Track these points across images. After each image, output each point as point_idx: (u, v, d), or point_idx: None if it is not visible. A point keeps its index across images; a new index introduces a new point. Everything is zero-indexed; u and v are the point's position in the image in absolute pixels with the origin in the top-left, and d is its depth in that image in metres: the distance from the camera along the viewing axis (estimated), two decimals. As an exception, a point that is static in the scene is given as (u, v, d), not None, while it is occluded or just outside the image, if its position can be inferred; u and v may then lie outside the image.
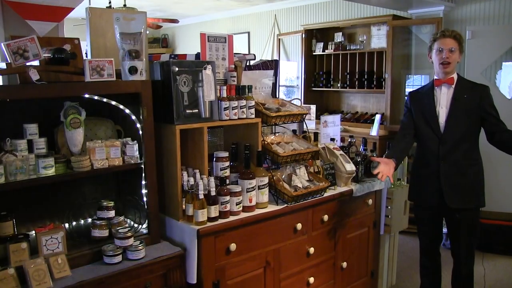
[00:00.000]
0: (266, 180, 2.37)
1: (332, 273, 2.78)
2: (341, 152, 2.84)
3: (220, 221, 2.18)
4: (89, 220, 2.29)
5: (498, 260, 4.11)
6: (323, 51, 6.08)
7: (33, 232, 2.01)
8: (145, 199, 2.16)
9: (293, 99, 2.78)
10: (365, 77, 5.56)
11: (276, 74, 2.87)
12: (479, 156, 2.67)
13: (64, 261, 1.85)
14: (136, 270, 1.96)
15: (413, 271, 3.34)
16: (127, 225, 2.14)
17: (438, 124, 2.62)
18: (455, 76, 2.65)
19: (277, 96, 2.92)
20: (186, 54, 2.57)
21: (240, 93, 2.37)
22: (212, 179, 2.18)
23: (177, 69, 2.13)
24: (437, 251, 2.90)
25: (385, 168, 2.53)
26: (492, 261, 4.08)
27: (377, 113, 5.36)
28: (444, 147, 2.59)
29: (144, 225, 2.22)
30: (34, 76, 1.80)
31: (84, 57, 2.26)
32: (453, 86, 2.62)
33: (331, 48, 5.97)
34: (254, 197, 2.33)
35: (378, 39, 5.47)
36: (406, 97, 2.88)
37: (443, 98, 2.64)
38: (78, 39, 2.26)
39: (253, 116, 2.42)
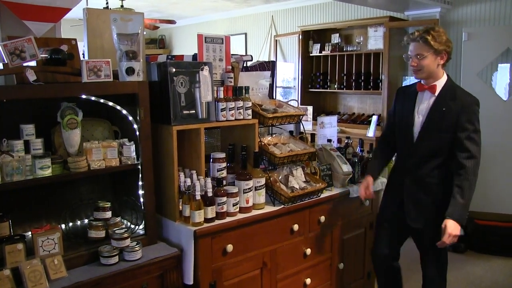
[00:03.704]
0: (263, 181, 2.37)
1: (329, 274, 2.78)
2: (338, 153, 2.85)
3: (217, 222, 2.18)
4: (86, 221, 2.29)
5: (495, 261, 4.13)
6: (320, 52, 6.09)
7: (29, 233, 2.00)
8: (141, 200, 2.16)
9: (290, 100, 2.78)
10: (362, 78, 5.58)
11: (273, 75, 2.87)
12: (449, 175, 2.29)
13: (60, 262, 1.85)
14: (133, 271, 1.96)
15: (410, 272, 3.34)
16: (123, 226, 2.14)
17: (412, 133, 2.36)
18: (439, 83, 2.32)
19: (274, 97, 2.93)
20: (183, 55, 2.58)
21: (237, 94, 2.37)
22: (209, 180, 2.18)
23: (174, 70, 2.13)
24: (394, 257, 2.62)
25: (364, 191, 2.52)
26: (489, 262, 4.09)
27: (373, 114, 5.38)
28: (412, 159, 2.37)
29: (141, 226, 2.22)
30: (31, 76, 1.79)
31: (81, 58, 2.26)
32: (435, 94, 2.31)
33: (328, 49, 5.99)
34: (251, 198, 2.33)
35: (375, 40, 5.49)
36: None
37: (423, 106, 2.35)
38: (75, 39, 2.25)
39: (250, 117, 2.42)
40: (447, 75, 2.37)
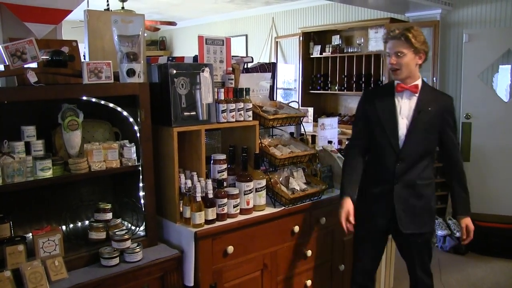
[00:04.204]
0: (263, 182, 2.37)
1: (330, 276, 2.78)
2: (339, 154, 2.85)
3: (218, 223, 2.18)
4: (86, 222, 2.29)
5: (496, 262, 4.13)
6: (321, 53, 6.10)
7: (30, 234, 2.00)
8: (142, 201, 2.15)
9: (290, 102, 2.79)
10: (363, 79, 5.58)
11: (273, 77, 2.88)
12: (433, 174, 2.36)
13: (61, 263, 1.84)
14: (133, 272, 1.96)
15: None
16: (124, 228, 2.14)
17: (398, 138, 2.25)
18: (419, 82, 2.27)
19: (275, 99, 2.93)
20: (184, 57, 2.58)
21: (238, 95, 2.37)
22: (209, 181, 2.18)
23: (174, 71, 2.13)
24: (374, 272, 2.52)
25: (345, 223, 2.29)
26: (490, 264, 4.09)
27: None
28: (401, 165, 2.24)
29: (142, 228, 2.22)
30: (32, 78, 1.80)
31: (82, 59, 2.26)
32: (417, 95, 2.25)
33: (329, 51, 5.99)
34: (251, 199, 2.33)
35: (376, 42, 5.50)
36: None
37: (405, 107, 2.26)
38: (76, 41, 2.26)
39: (251, 118, 2.42)
40: (421, 77, 2.34)
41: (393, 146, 2.26)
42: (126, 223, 2.31)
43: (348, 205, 2.30)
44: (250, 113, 2.41)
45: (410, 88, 2.26)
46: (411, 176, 2.26)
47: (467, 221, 2.32)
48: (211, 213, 2.16)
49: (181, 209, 2.19)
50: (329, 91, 6.06)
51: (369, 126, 2.35)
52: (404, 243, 2.39)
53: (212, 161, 2.33)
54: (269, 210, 2.39)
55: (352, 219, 2.29)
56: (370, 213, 2.37)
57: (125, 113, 2.10)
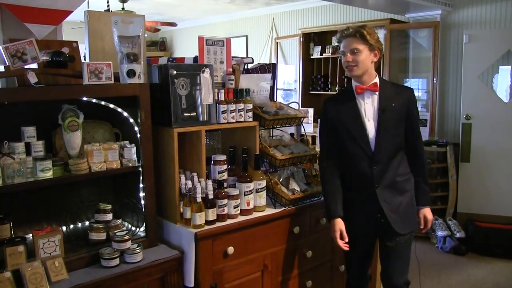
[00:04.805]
0: (264, 183, 2.37)
1: (330, 276, 2.78)
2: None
3: (218, 224, 2.18)
4: (87, 223, 2.28)
5: (497, 263, 4.12)
6: (321, 54, 6.10)
7: (30, 235, 2.00)
8: (142, 202, 2.15)
9: (291, 103, 2.78)
10: (363, 80, 5.57)
11: (274, 78, 2.87)
12: (408, 167, 2.32)
13: (61, 264, 1.84)
14: (134, 273, 1.96)
15: (411, 274, 3.34)
16: (124, 228, 2.14)
17: (368, 141, 2.20)
18: (377, 80, 2.24)
19: (275, 100, 2.93)
20: (184, 58, 2.58)
21: (238, 96, 2.37)
22: (209, 182, 2.18)
23: (175, 72, 2.13)
24: (366, 272, 2.50)
25: (340, 241, 2.25)
26: (491, 265, 4.09)
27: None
28: (378, 167, 2.20)
29: (142, 228, 2.22)
30: (32, 79, 1.80)
31: (83, 60, 2.26)
32: (377, 93, 2.22)
33: (329, 52, 5.99)
34: (251, 200, 2.33)
35: (376, 42, 5.49)
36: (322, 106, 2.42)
37: (369, 108, 2.22)
38: (76, 42, 2.26)
39: (251, 119, 2.42)
40: (377, 74, 2.30)
41: (365, 151, 2.21)
42: (126, 224, 2.31)
43: (340, 225, 2.25)
44: (251, 114, 2.41)
45: (370, 88, 2.23)
46: (389, 175, 2.23)
47: (425, 212, 2.36)
48: (212, 214, 2.16)
49: (181, 210, 2.19)
50: (329, 92, 6.06)
51: (336, 134, 2.29)
52: (388, 245, 2.32)
53: (212, 162, 2.33)
54: (270, 211, 2.39)
55: (345, 235, 2.25)
56: (357, 220, 2.31)
57: (125, 114, 2.10)
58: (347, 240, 2.26)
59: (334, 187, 2.30)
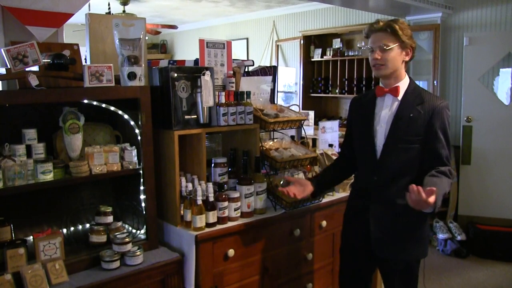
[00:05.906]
0: (264, 186, 2.37)
1: (330, 279, 2.77)
2: (339, 158, 2.84)
3: (218, 226, 2.18)
4: (87, 225, 2.29)
5: (497, 266, 4.12)
6: (322, 57, 6.11)
7: (31, 237, 2.00)
8: (143, 204, 2.16)
9: (291, 105, 2.79)
10: (363, 83, 5.59)
11: (274, 80, 2.88)
12: None
13: (61, 266, 1.84)
14: (134, 275, 1.96)
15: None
16: (125, 231, 2.14)
17: (375, 147, 2.00)
18: (403, 84, 2.00)
19: (276, 102, 2.93)
20: (184, 60, 2.58)
21: (239, 99, 2.38)
22: (210, 184, 2.18)
23: (175, 75, 2.13)
24: (361, 283, 2.27)
25: (297, 189, 2.11)
26: (491, 267, 4.08)
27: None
28: (378, 179, 2.00)
29: (142, 231, 2.22)
30: (33, 81, 1.80)
31: (83, 63, 2.27)
32: (399, 98, 1.99)
33: (330, 54, 6.00)
34: (252, 202, 2.33)
35: (376, 45, 5.50)
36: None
37: (385, 113, 2.00)
38: (77, 44, 2.27)
39: (252, 122, 2.42)
40: (410, 77, 2.07)
41: (370, 157, 2.03)
42: (126, 226, 2.31)
43: (305, 180, 2.22)
44: (251, 116, 2.41)
45: (390, 91, 2.00)
46: (389, 193, 1.98)
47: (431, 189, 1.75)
48: (212, 216, 2.16)
49: (182, 212, 2.19)
50: (329, 95, 6.07)
51: (352, 135, 2.19)
52: (382, 267, 2.16)
53: (213, 164, 2.33)
54: (270, 214, 2.39)
55: (292, 187, 2.13)
56: (347, 230, 2.24)
57: (126, 116, 2.10)
58: (286, 182, 2.27)
59: (326, 168, 2.37)
